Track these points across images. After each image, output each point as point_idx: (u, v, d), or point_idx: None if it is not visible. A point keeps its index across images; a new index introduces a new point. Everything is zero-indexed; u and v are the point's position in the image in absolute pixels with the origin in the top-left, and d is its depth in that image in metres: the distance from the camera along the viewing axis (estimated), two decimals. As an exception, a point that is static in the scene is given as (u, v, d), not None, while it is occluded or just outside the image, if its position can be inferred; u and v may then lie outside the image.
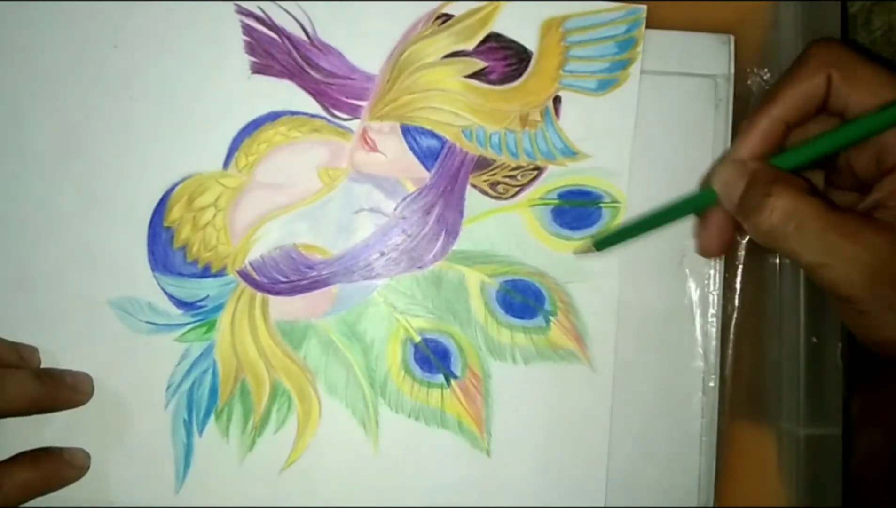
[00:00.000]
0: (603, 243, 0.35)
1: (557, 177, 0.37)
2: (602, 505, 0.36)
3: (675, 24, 0.37)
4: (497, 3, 0.36)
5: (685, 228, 0.36)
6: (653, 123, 0.37)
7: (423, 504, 0.36)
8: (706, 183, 0.32)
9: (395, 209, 0.37)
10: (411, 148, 0.37)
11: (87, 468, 0.35)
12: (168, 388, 0.36)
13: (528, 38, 0.37)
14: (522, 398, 0.37)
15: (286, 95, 0.36)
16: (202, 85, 0.36)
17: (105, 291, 0.36)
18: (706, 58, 0.37)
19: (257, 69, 0.36)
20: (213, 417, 0.36)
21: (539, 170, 0.37)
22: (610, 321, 0.37)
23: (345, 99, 0.37)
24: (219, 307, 0.36)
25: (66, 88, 0.36)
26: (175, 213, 0.36)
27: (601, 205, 0.37)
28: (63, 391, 0.35)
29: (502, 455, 0.36)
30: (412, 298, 0.37)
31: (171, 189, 0.36)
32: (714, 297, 0.37)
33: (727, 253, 0.37)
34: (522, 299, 0.37)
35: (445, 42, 0.37)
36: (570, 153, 0.37)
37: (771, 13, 0.36)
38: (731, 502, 0.37)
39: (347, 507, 0.36)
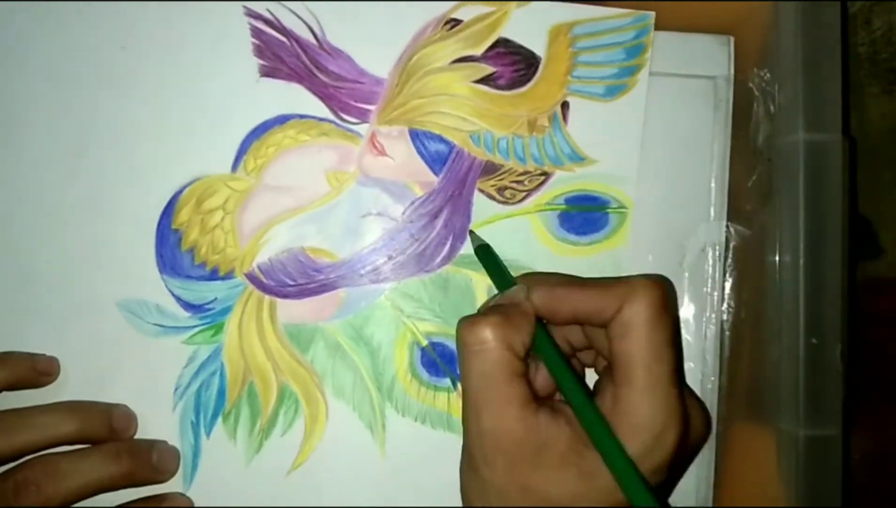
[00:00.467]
0: (481, 253, 0.36)
1: (565, 182, 0.37)
2: None
3: (675, 25, 0.37)
4: (506, 8, 0.37)
5: (685, 228, 0.37)
6: (652, 124, 0.37)
7: (429, 506, 0.36)
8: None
9: (403, 213, 0.37)
10: (419, 152, 0.37)
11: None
12: (176, 390, 0.36)
13: (536, 43, 0.37)
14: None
15: (295, 98, 0.36)
16: (211, 88, 0.36)
17: (113, 293, 0.36)
18: (706, 59, 0.38)
19: (266, 72, 0.36)
20: (220, 419, 0.36)
21: (546, 175, 0.37)
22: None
23: (353, 103, 0.37)
24: (227, 310, 0.36)
25: (74, 89, 0.36)
26: (183, 215, 0.36)
27: (608, 210, 0.37)
28: (145, 471, 0.34)
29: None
30: (419, 302, 0.37)
31: (180, 191, 0.36)
32: (713, 298, 0.38)
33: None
34: (529, 304, 0.37)
35: (454, 47, 0.37)
36: (578, 159, 0.37)
37: (771, 14, 0.36)
38: (730, 502, 0.38)
39: (354, 509, 0.36)
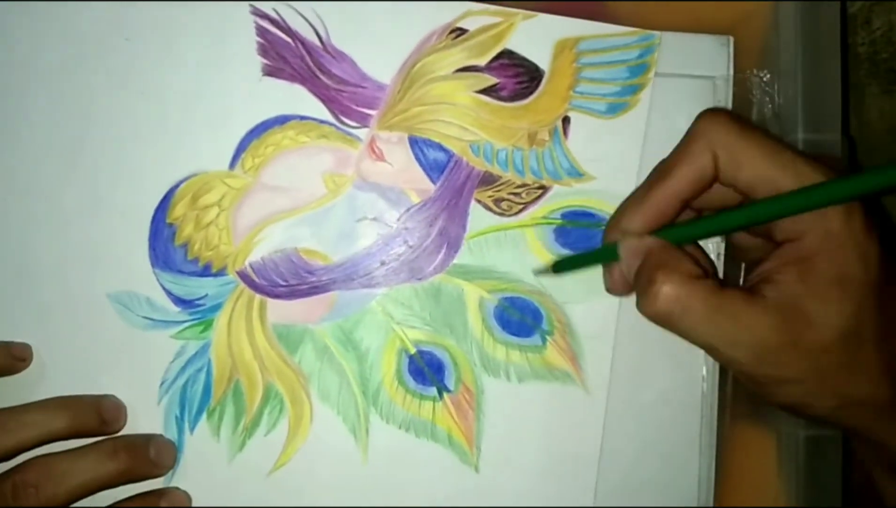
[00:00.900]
0: (560, 267, 0.36)
1: (562, 197, 0.37)
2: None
3: (674, 26, 0.37)
4: (512, 20, 0.36)
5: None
6: (651, 124, 0.37)
7: (409, 514, 0.36)
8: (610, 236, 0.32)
9: (399, 220, 0.37)
10: (418, 160, 0.37)
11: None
12: (162, 384, 0.36)
13: (540, 56, 0.37)
14: (514, 416, 0.37)
15: (296, 99, 0.36)
16: (212, 84, 0.36)
17: (104, 284, 0.36)
18: (705, 59, 0.37)
19: (269, 72, 0.36)
20: (205, 415, 0.36)
21: (544, 189, 0.37)
22: (607, 343, 0.37)
23: (355, 107, 0.37)
24: (217, 307, 0.36)
25: (73, 78, 0.36)
26: (178, 210, 0.36)
27: (604, 227, 0.37)
28: (143, 467, 0.34)
29: (491, 471, 0.36)
30: (410, 309, 0.37)
31: (176, 186, 0.36)
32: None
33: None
34: (520, 317, 0.37)
35: (458, 56, 0.37)
36: (577, 174, 0.37)
37: (770, 14, 0.36)
38: (731, 502, 0.37)
39: (333, 512, 0.36)
